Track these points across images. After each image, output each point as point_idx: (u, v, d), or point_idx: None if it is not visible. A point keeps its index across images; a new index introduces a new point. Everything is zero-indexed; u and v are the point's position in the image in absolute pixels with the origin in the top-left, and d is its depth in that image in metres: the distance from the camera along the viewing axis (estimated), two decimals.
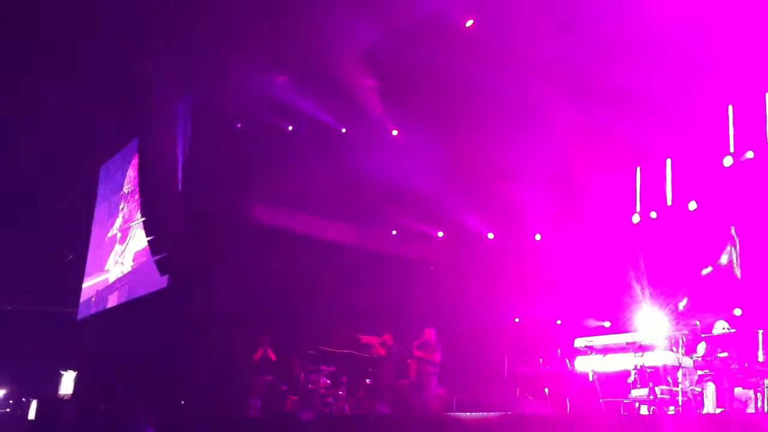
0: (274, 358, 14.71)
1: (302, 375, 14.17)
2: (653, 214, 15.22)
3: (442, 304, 16.04)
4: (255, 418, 14.01)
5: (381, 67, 15.63)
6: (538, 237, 16.37)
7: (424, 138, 15.89)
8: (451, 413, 12.38)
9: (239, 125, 17.19)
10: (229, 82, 16.22)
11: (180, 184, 16.59)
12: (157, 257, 16.82)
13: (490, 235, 17.13)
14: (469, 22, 14.50)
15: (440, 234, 17.95)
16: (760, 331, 9.37)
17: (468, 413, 11.06)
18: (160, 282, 17.18)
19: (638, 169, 15.46)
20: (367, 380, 14.13)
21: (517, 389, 13.23)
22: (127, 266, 20.20)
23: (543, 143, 14.52)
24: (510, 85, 13.67)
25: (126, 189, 21.21)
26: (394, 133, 16.49)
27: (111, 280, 21.07)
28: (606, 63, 13.61)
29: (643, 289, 12.21)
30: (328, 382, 13.99)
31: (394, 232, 18.08)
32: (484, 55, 14.10)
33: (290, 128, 17.39)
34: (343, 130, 17.01)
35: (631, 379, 10.40)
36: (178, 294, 16.66)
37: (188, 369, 16.10)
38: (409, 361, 13.69)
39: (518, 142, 14.57)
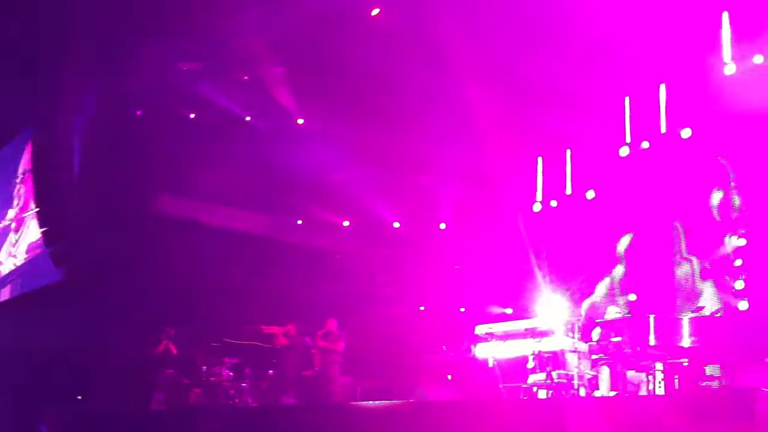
0: (175, 351, 14.44)
1: (205, 367, 13.94)
2: (554, 203, 15.59)
3: (349, 293, 16.03)
4: (157, 412, 13.73)
5: (288, 55, 15.44)
6: (442, 226, 16.54)
7: (331, 127, 15.81)
8: (356, 402, 12.41)
9: (142, 112, 16.71)
10: (132, 69, 15.73)
11: (77, 173, 16.03)
12: (51, 248, 16.23)
13: (396, 225, 17.20)
14: (375, 11, 14.47)
15: (346, 223, 17.91)
16: (652, 316, 9.68)
17: (373, 401, 11.10)
18: (55, 274, 16.59)
19: (540, 159, 15.80)
20: (270, 371, 14.02)
21: (422, 377, 13.34)
22: (20, 258, 19.42)
23: (448, 133, 14.65)
24: (415, 75, 13.72)
25: (20, 178, 20.37)
26: (300, 121, 16.34)
27: (4, 272, 20.23)
28: (510, 54, 13.80)
29: (543, 276, 12.49)
30: (231, 374, 13.81)
31: (300, 222, 17.94)
32: (390, 44, 14.10)
33: (192, 116, 16.99)
34: (248, 119, 16.74)
35: (530, 365, 10.64)
36: (76, 286, 16.13)
37: (87, 364, 15.63)
38: (313, 351, 13.67)
39: (424, 132, 14.64)
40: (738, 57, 13.29)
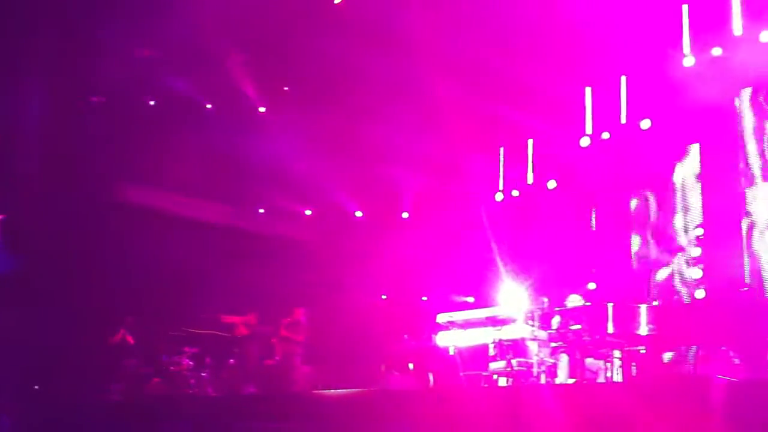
0: (132, 341, 14.29)
1: (165, 357, 13.83)
2: (515, 193, 15.70)
3: (310, 282, 15.98)
4: (116, 402, 13.58)
5: (251, 43, 15.29)
6: (405, 215, 16.56)
7: (294, 116, 15.70)
8: (317, 391, 12.38)
9: (101, 100, 16.42)
10: (91, 56, 15.45)
11: (35, 162, 15.74)
12: (7, 237, 15.93)
13: (358, 214, 17.19)
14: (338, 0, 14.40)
15: (308, 212, 17.84)
16: (611, 305, 9.78)
17: (334, 390, 11.08)
18: (12, 263, 16.28)
19: (501, 149, 15.89)
20: (231, 361, 13.94)
21: (384, 365, 13.37)
22: None
23: (411, 123, 14.65)
24: (378, 64, 13.68)
25: None
26: (262, 109, 16.21)
27: None
28: (473, 46, 13.85)
29: (504, 265, 12.56)
30: (191, 363, 13.71)
31: (261, 211, 17.82)
32: (354, 33, 14.04)
33: (152, 103, 16.75)
34: (208, 106, 16.56)
35: (491, 353, 10.70)
36: (33, 276, 15.85)
37: (46, 353, 15.39)
38: (273, 340, 13.62)
39: (386, 122, 14.62)
40: (697, 49, 13.47)
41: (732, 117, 13.80)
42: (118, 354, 14.23)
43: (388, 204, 16.32)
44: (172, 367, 13.66)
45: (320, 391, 12.04)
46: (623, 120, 14.53)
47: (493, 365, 10.52)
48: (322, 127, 15.30)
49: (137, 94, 16.46)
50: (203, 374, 13.72)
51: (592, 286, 14.10)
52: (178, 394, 13.18)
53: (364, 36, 13.69)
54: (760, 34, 12.69)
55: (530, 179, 15.58)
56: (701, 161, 14.09)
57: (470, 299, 13.99)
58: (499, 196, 15.71)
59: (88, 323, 15.04)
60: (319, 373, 13.74)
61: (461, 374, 10.89)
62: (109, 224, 15.91)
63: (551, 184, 15.37)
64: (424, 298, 15.05)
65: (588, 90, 14.98)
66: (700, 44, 13.45)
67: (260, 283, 15.66)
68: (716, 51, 13.29)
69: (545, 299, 11.03)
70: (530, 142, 15.61)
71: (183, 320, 14.77)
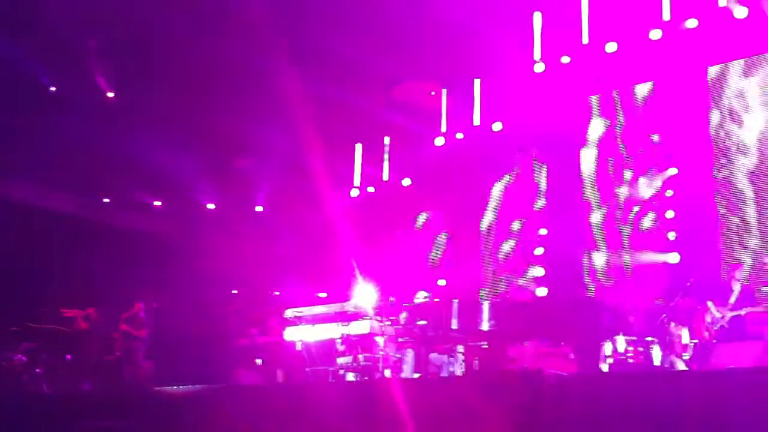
0: None
1: None
2: (371, 189, 15.81)
3: (159, 275, 15.46)
4: None
5: (102, 27, 14.60)
6: (259, 208, 16.34)
7: (145, 104, 15.13)
8: (161, 387, 11.97)
9: None
10: None
11: None
12: None
13: (210, 206, 16.80)
14: None
15: (158, 204, 17.25)
16: (455, 301, 9.99)
17: (179, 386, 10.75)
18: None
19: (358, 145, 15.95)
20: (68, 356, 13.28)
21: (232, 361, 13.13)
22: None
23: (267, 116, 14.42)
24: (233, 54, 13.39)
25: None
26: (110, 95, 15.52)
27: None
28: (332, 40, 13.80)
29: (356, 260, 12.56)
30: (24, 359, 12.96)
31: (107, 201, 17.09)
32: (210, 22, 13.67)
33: None
34: (53, 89, 15.69)
35: (339, 348, 10.68)
36: None
37: None
38: (114, 335, 13.10)
39: (241, 114, 14.34)
40: (547, 56, 13.97)
41: (579, 122, 14.44)
42: None
43: (241, 197, 16.02)
44: (4, 363, 12.86)
45: (163, 388, 11.66)
46: (476, 121, 14.91)
47: (341, 360, 10.51)
48: (175, 116, 14.81)
49: None
50: (37, 371, 12.99)
51: (442, 282, 14.41)
52: (10, 392, 12.42)
53: (219, 25, 13.36)
54: (606, 44, 13.30)
55: (386, 176, 15.72)
56: (548, 165, 14.66)
57: (323, 294, 13.94)
58: (354, 192, 15.77)
59: None
60: (162, 369, 13.31)
61: (308, 369, 10.82)
62: None
63: (406, 182, 15.57)
64: (277, 293, 14.87)
65: (444, 90, 15.27)
66: (550, 51, 13.95)
67: (104, 275, 15.01)
68: (565, 59, 13.81)
69: (393, 296, 11.13)
70: (387, 139, 15.75)
71: (23, 314, 13.95)
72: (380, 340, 10.38)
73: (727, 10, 12.11)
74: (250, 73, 13.76)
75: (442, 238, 15.38)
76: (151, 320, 13.27)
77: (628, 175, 13.71)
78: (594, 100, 14.35)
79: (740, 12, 12.01)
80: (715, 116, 12.92)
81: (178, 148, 14.81)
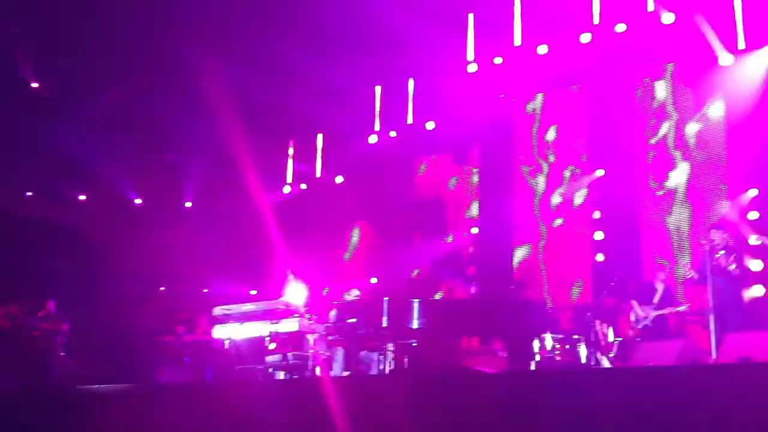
0: None
1: None
2: (303, 186, 15.72)
3: (84, 271, 15.08)
4: None
5: (24, 14, 14.14)
6: (188, 204, 16.08)
7: (69, 94, 14.71)
8: (82, 386, 11.67)
9: None
10: None
11: None
12: None
13: (138, 201, 16.45)
14: None
15: (82, 197, 16.80)
16: (386, 299, 9.96)
17: (100, 385, 10.49)
18: None
19: (291, 141, 15.85)
20: None
21: (157, 359, 12.87)
22: None
23: (197, 110, 14.18)
24: (161, 44, 13.14)
25: None
26: (34, 85, 15.06)
27: None
28: (266, 35, 13.68)
29: (287, 257, 12.47)
30: None
31: (29, 194, 16.56)
32: (132, 11, 13.38)
33: None
34: None
35: (272, 346, 10.56)
36: None
37: None
38: (35, 333, 12.72)
39: (171, 108, 14.08)
40: (480, 57, 14.10)
41: (511, 123, 14.61)
42: None
43: (170, 192, 15.73)
44: None
45: (85, 386, 11.37)
46: (410, 120, 14.97)
47: (270, 358, 10.39)
48: (100, 106, 14.44)
49: None
50: None
51: (373, 280, 14.40)
52: None
53: (145, 16, 13.10)
54: (538, 47, 13.48)
55: (318, 173, 15.64)
56: (480, 164, 14.79)
57: (253, 291, 13.80)
58: (286, 189, 15.65)
59: None
60: (85, 367, 12.97)
61: (237, 368, 10.67)
62: None
63: (339, 179, 15.52)
64: (205, 290, 14.64)
65: (378, 89, 15.27)
66: (483, 52, 14.08)
67: (29, 271, 14.56)
68: (498, 60, 13.97)
69: (324, 292, 11.08)
70: (320, 136, 15.67)
71: None
72: (310, 338, 10.30)
73: (655, 15, 12.42)
74: (179, 68, 13.49)
75: (374, 235, 15.38)
76: (68, 316, 12.93)
77: (557, 175, 13.92)
78: (526, 101, 14.54)
79: (667, 18, 12.33)
80: (644, 118, 13.21)
81: (103, 139, 14.45)
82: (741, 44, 11.98)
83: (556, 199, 13.79)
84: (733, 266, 9.61)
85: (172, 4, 12.73)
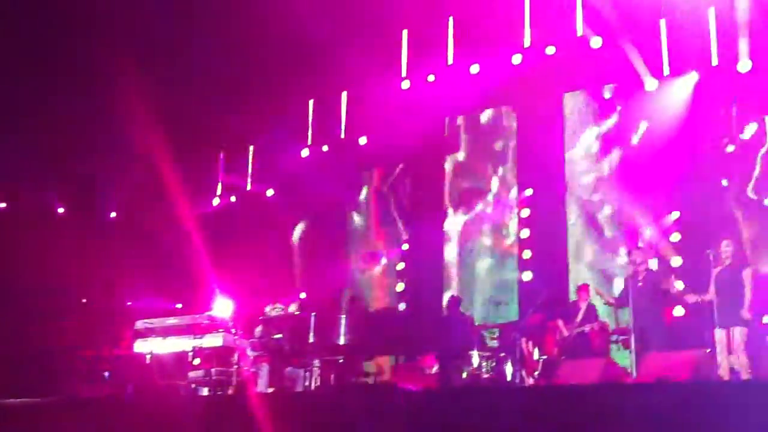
0: None
1: None
2: (233, 198, 15.50)
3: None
4: None
5: None
6: (113, 214, 15.68)
7: None
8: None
9: None
10: None
11: None
12: None
13: (60, 210, 15.95)
14: None
15: (2, 205, 16.18)
16: (313, 315, 9.88)
17: (16, 399, 10.14)
18: None
19: (221, 154, 15.63)
20: None
21: (75, 373, 12.45)
22: None
23: (126, 120, 13.84)
24: (83, 51, 12.82)
25: None
26: None
27: None
28: (199, 47, 13.51)
29: (213, 271, 12.25)
30: None
31: None
32: (52, 16, 13.04)
33: None
34: None
35: (196, 361, 10.36)
36: None
37: None
38: None
39: (96, 114, 13.74)
40: (413, 74, 14.17)
41: (442, 140, 14.70)
42: None
43: (94, 202, 15.31)
44: None
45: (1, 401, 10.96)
46: (342, 135, 14.91)
47: (193, 374, 10.19)
48: (20, 111, 13.96)
49: None
50: None
51: (302, 295, 14.26)
52: None
53: (66, 21, 12.77)
54: (471, 66, 13.62)
55: (249, 185, 15.46)
56: (412, 179, 14.83)
57: (178, 305, 13.51)
58: (216, 201, 15.43)
59: None
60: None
61: (159, 383, 10.43)
62: None
63: (269, 192, 15.37)
64: (129, 303, 14.25)
65: (311, 102, 15.18)
66: (416, 69, 14.15)
67: None
68: (430, 77, 14.05)
69: (251, 307, 10.92)
70: (251, 148, 15.50)
71: None
72: (235, 354, 10.14)
73: (584, 40, 12.70)
74: (100, 73, 13.13)
75: (304, 250, 15.26)
76: None
77: (487, 193, 14.05)
78: (457, 118, 14.65)
79: (596, 42, 12.61)
80: (568, 140, 13.45)
81: (27, 147, 13.99)
82: (666, 70, 12.31)
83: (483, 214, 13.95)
84: (655, 286, 9.84)
85: (90, 10, 12.45)
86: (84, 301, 14.61)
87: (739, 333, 8.65)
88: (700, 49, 11.94)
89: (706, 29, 11.90)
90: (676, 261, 11.68)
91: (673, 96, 12.34)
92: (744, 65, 11.54)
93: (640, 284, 9.74)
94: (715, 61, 11.86)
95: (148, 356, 10.33)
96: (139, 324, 10.53)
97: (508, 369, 10.69)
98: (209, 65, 13.80)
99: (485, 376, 10.66)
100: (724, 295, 8.90)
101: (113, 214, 15.59)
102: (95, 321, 13.59)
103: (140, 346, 10.57)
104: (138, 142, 13.34)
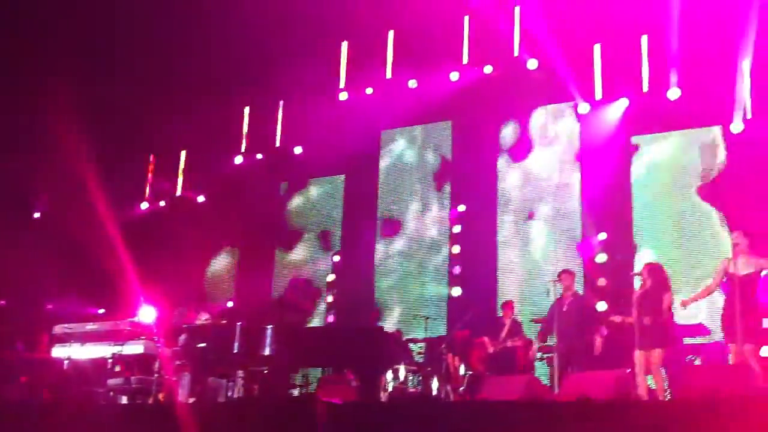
0: None
1: None
2: (162, 203, 15.23)
3: None
4: None
5: None
6: (36, 215, 15.24)
7: None
8: None
9: None
10: None
11: None
12: None
13: None
14: None
15: None
16: (238, 324, 9.69)
17: None
18: None
19: (151, 157, 15.36)
20: None
21: None
22: None
23: (52, 115, 13.46)
24: (10, 48, 12.47)
25: None
26: None
27: None
28: (135, 48, 13.29)
29: (136, 276, 11.96)
30: None
31: None
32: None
33: None
34: None
35: (112, 368, 10.08)
36: None
37: None
38: None
39: (19, 111, 13.34)
40: (351, 86, 14.20)
41: (377, 154, 14.72)
42: None
43: (16, 200, 14.83)
44: None
45: None
46: (278, 143, 14.82)
47: (112, 381, 9.91)
48: None
49: None
50: None
51: (230, 304, 14.07)
52: None
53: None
54: (409, 80, 13.71)
55: (179, 190, 15.20)
56: (345, 191, 14.78)
57: (101, 310, 13.18)
58: (144, 205, 15.13)
59: None
60: None
61: (77, 389, 10.12)
62: None
63: (200, 198, 15.15)
64: (49, 306, 13.82)
65: (247, 110, 15.05)
66: (355, 81, 14.17)
67: None
68: (369, 90, 14.10)
69: (174, 314, 10.70)
70: (183, 153, 15.25)
71: None
72: (156, 362, 9.90)
73: (521, 60, 12.91)
74: (35, 74, 12.79)
75: (232, 259, 15.07)
76: None
77: (419, 208, 14.09)
78: (391, 133, 14.68)
79: (532, 63, 12.84)
80: (501, 160, 13.60)
81: None
82: (598, 95, 12.58)
83: (416, 229, 13.99)
84: (581, 307, 9.98)
85: (24, 11, 12.13)
86: (1, 302, 14.13)
87: (657, 354, 8.82)
88: (631, 76, 12.25)
89: (639, 56, 12.22)
90: (601, 282, 11.90)
91: (603, 120, 12.62)
92: (674, 93, 11.87)
93: (565, 308, 9.87)
94: (645, 88, 12.18)
95: (65, 361, 10.01)
96: (58, 328, 10.19)
97: (434, 383, 10.70)
98: (144, 65, 13.58)
99: (411, 389, 10.66)
100: (643, 317, 9.04)
101: (37, 215, 15.16)
102: (12, 323, 13.15)
103: (58, 351, 10.24)
104: (65, 142, 12.96)
